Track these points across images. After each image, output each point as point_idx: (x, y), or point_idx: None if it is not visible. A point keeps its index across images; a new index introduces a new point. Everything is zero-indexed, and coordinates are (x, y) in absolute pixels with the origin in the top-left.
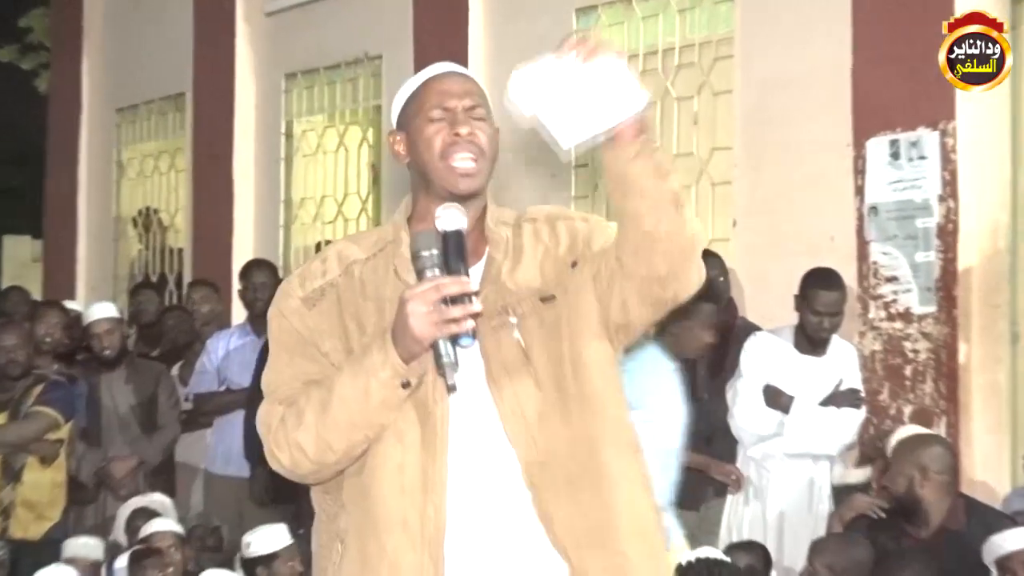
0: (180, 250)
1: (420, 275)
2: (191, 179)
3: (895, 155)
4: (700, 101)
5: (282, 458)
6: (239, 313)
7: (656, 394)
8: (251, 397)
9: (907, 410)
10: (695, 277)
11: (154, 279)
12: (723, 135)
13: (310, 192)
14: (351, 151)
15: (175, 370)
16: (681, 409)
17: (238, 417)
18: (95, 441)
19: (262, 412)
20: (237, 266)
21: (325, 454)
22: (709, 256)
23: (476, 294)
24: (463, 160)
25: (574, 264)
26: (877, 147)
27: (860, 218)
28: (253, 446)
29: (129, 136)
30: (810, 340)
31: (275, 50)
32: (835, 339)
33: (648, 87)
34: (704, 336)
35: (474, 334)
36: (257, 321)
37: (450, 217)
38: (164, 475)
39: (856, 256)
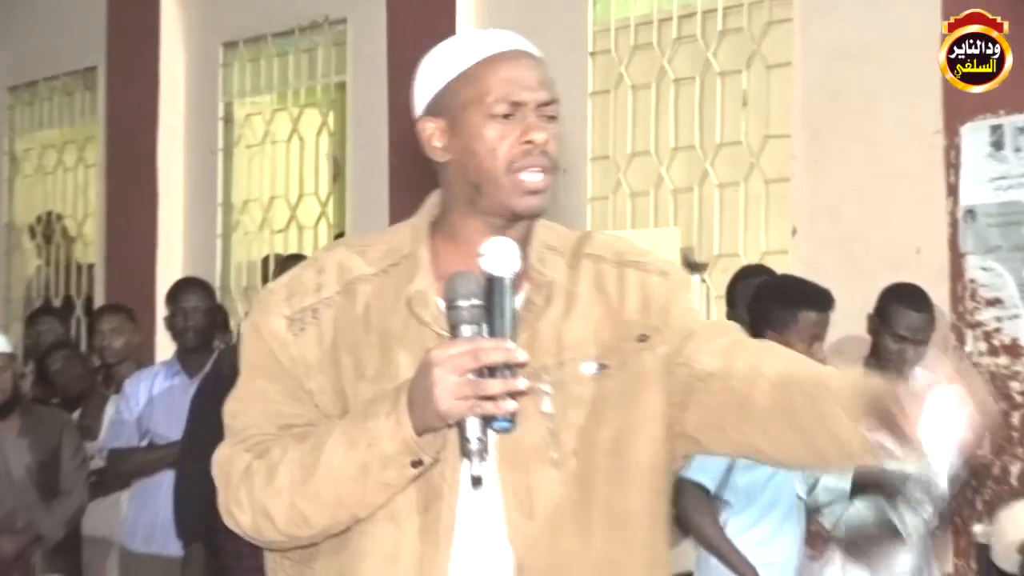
0: (90, 266)
1: (454, 331)
2: (104, 177)
3: (997, 145)
4: (750, 76)
5: (242, 520)
6: (164, 347)
7: None
8: (183, 455)
9: (1014, 469)
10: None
11: (57, 303)
12: (779, 119)
13: (255, 193)
14: (307, 140)
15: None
16: None
17: (165, 480)
18: None
19: (222, 455)
20: (162, 287)
21: (299, 528)
22: (760, 273)
23: (523, 365)
24: (533, 174)
25: (642, 338)
26: (975, 135)
27: (953, 225)
28: (186, 516)
29: (25, 122)
30: (883, 374)
31: (210, 13)
32: (918, 373)
33: (685, 59)
34: None
35: (514, 418)
36: (189, 357)
37: (502, 256)
38: (67, 553)
39: (948, 273)
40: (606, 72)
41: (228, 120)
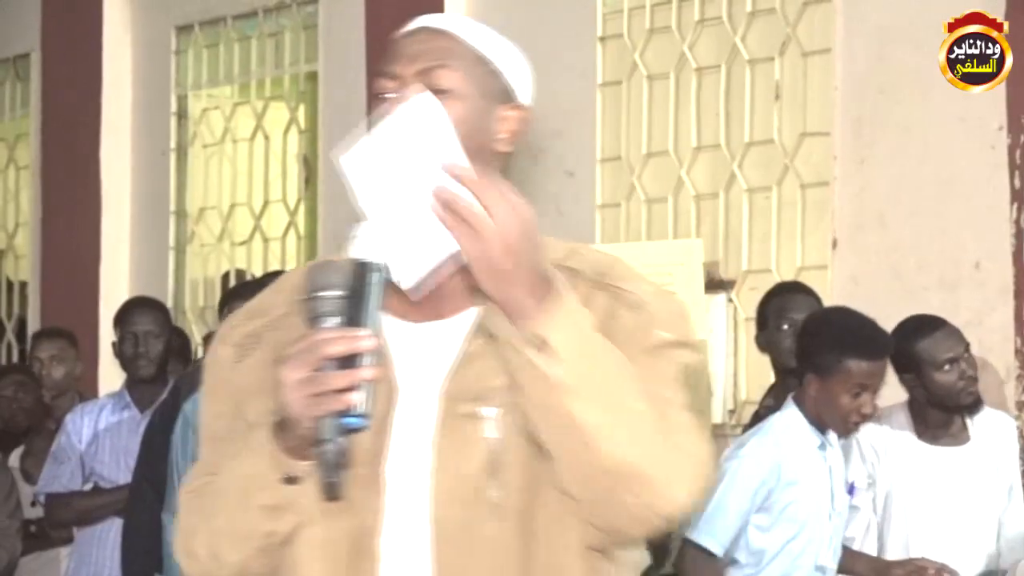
0: (23, 284)
1: (313, 324)
2: (38, 181)
3: None
4: (784, 65)
5: (184, 564)
6: (108, 377)
7: None
8: (132, 500)
9: None
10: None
11: None
12: (817, 114)
13: (212, 199)
14: (273, 139)
15: (13, 460)
16: None
17: (111, 529)
18: None
19: (181, 489)
20: (106, 307)
21: (218, 566)
22: (799, 291)
23: (372, 353)
24: None
25: None
26: None
27: (1018, 235)
28: (134, 571)
29: None
30: (939, 417)
31: None
32: (985, 412)
33: (709, 45)
34: None
35: (365, 413)
36: (140, 389)
37: (375, 239)
38: None
39: (1012, 290)
40: (618, 60)
41: (182, 115)
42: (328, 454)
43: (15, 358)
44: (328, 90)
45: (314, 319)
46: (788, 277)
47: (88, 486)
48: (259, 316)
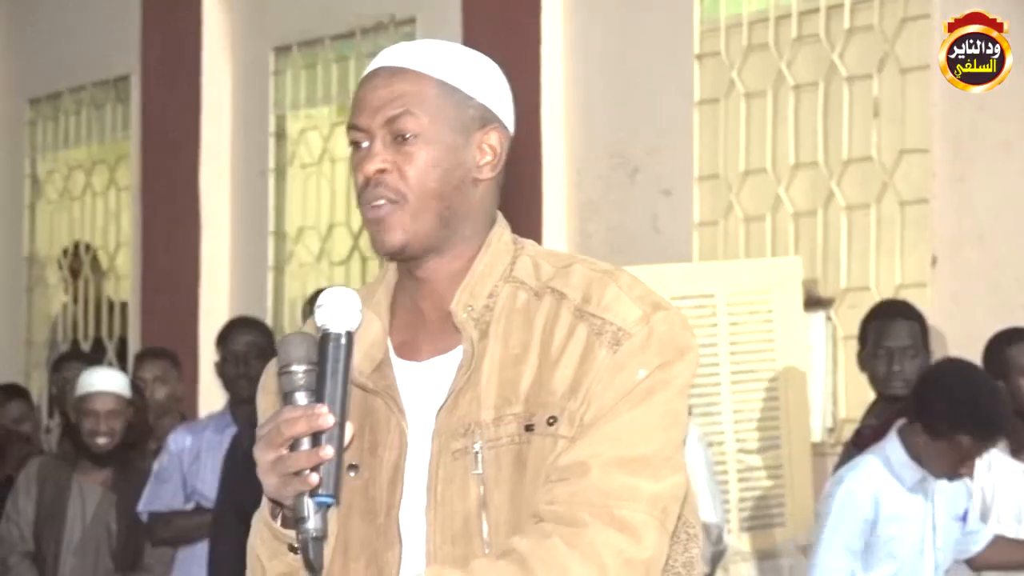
0: (123, 304)
1: (287, 399)
2: (138, 201)
3: None
4: (882, 82)
5: None
6: (208, 397)
7: None
8: (215, 525)
9: None
10: None
11: (86, 346)
12: (916, 131)
13: (311, 219)
14: None
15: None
16: None
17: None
18: None
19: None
20: (206, 327)
21: None
22: (899, 316)
23: (332, 429)
24: (373, 208)
25: (551, 421)
26: None
27: None
28: None
29: (48, 140)
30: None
31: (259, 13)
32: None
33: (807, 62)
34: None
35: (334, 492)
36: (243, 408)
37: (337, 308)
38: None
39: None
40: (715, 78)
41: (280, 136)
42: (305, 532)
43: None
44: None
45: (286, 395)
46: (887, 295)
47: (190, 505)
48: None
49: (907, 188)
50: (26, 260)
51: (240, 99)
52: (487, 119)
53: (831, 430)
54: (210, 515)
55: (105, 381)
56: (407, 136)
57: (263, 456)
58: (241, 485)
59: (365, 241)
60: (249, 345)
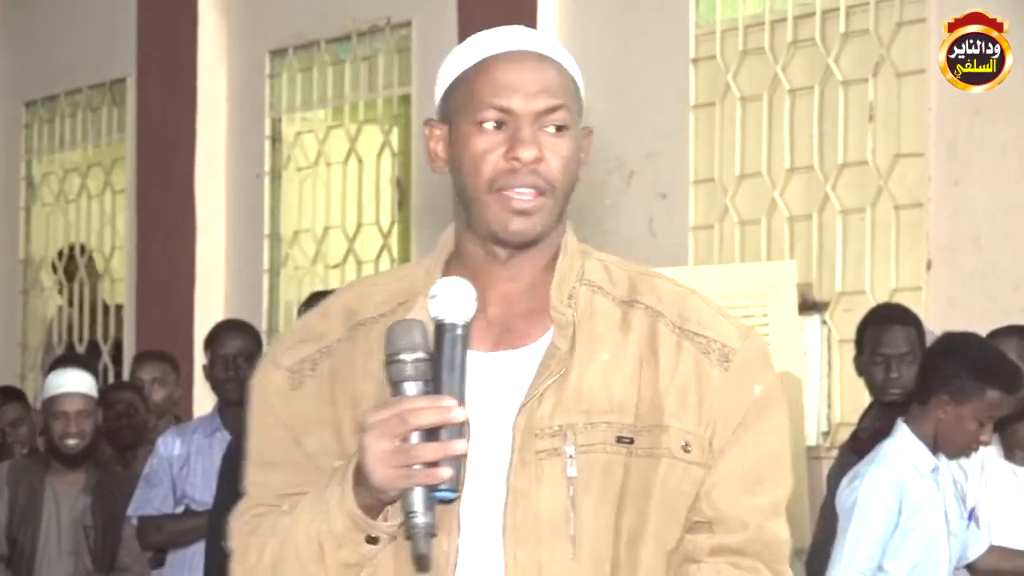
0: (118, 307)
1: (396, 389)
2: (134, 204)
3: None
4: (878, 86)
5: None
6: (202, 399)
7: None
8: (212, 526)
9: None
10: None
11: (81, 349)
12: (912, 135)
13: (306, 222)
14: (367, 162)
15: None
16: None
17: (203, 552)
18: None
19: (230, 527)
20: (201, 330)
21: None
22: (896, 323)
23: (464, 424)
24: (519, 194)
25: (686, 447)
26: None
27: None
28: None
29: (44, 142)
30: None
31: (255, 17)
32: None
33: (802, 66)
34: None
35: (458, 485)
36: (231, 412)
37: (453, 299)
38: None
39: None
40: (711, 82)
41: (276, 139)
42: (419, 528)
43: (110, 380)
44: (422, 113)
45: (396, 383)
46: (882, 299)
47: (179, 509)
48: (312, 341)
49: (902, 192)
50: (21, 263)
51: (236, 102)
52: (582, 115)
53: (826, 434)
54: (200, 518)
55: (73, 382)
56: (561, 127)
57: (376, 444)
58: (239, 487)
59: (360, 244)
60: (238, 349)
